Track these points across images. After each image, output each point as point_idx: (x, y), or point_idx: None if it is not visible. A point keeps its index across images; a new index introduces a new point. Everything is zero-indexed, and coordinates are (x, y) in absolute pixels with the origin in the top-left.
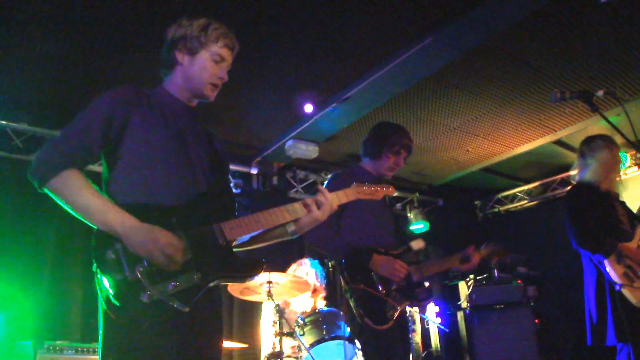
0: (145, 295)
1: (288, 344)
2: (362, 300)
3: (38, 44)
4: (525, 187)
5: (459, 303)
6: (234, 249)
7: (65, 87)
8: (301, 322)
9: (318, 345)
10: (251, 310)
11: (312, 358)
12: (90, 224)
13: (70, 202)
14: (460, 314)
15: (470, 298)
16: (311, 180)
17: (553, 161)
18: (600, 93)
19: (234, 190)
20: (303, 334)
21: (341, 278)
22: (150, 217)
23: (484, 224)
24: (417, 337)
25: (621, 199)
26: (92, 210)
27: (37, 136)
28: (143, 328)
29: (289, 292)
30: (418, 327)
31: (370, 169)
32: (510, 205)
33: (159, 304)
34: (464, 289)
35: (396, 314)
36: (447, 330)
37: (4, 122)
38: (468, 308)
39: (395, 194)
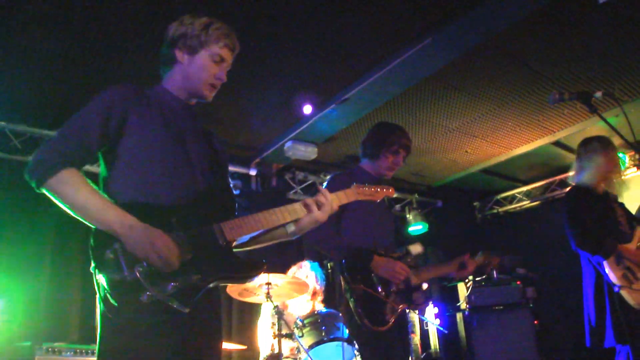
0: (144, 295)
1: (287, 345)
2: (362, 301)
3: (37, 44)
4: (524, 189)
5: (458, 304)
6: (233, 249)
7: (64, 87)
8: (300, 323)
9: (317, 347)
10: (250, 311)
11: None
12: (89, 224)
13: (69, 202)
14: (459, 316)
15: (469, 299)
16: (310, 182)
17: (552, 162)
18: (598, 94)
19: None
20: (302, 336)
21: (341, 278)
22: (149, 216)
23: (483, 225)
24: (416, 339)
25: (620, 200)
26: (91, 210)
27: (35, 137)
28: (142, 329)
29: (288, 293)
30: (417, 328)
31: (369, 169)
32: (509, 207)
33: (158, 305)
34: (463, 290)
35: (395, 316)
36: (446, 331)
37: (2, 123)
38: (467, 309)
39: (394, 195)
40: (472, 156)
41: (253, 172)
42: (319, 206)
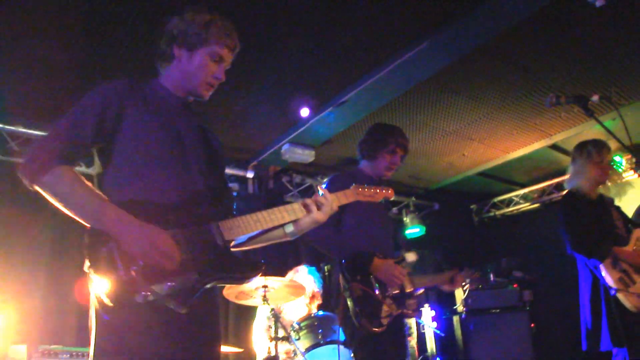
0: (140, 295)
1: (283, 348)
2: (360, 300)
3: (34, 46)
4: (521, 192)
5: (455, 307)
6: (231, 249)
7: (61, 89)
8: (297, 326)
9: (313, 350)
10: (247, 314)
11: None
12: (83, 222)
13: (63, 200)
14: (456, 319)
15: (466, 302)
16: (307, 185)
17: (549, 165)
18: (595, 98)
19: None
20: (298, 339)
21: (340, 276)
22: (146, 215)
23: (480, 228)
24: (413, 342)
25: (617, 203)
26: (86, 208)
27: (32, 139)
28: (137, 330)
29: (284, 296)
30: (414, 331)
31: (368, 171)
32: (506, 210)
33: (154, 305)
34: (459, 293)
35: (390, 319)
36: (443, 334)
37: None
38: (464, 312)
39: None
40: (469, 159)
41: (250, 175)
42: (319, 206)
